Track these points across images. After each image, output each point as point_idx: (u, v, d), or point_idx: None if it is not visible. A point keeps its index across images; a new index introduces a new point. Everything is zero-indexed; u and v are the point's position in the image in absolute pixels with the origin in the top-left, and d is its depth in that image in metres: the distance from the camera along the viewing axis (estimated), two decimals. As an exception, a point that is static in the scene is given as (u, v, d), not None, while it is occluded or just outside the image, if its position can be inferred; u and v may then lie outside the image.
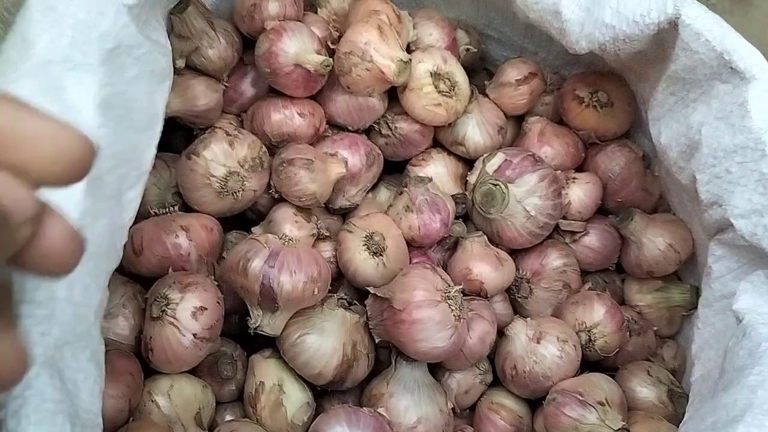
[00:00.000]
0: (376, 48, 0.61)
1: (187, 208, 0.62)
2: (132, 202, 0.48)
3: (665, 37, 0.54)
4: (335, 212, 0.68)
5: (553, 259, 0.67)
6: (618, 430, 0.55)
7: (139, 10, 0.47)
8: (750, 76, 0.49)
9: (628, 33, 0.54)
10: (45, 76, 0.39)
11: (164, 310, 0.53)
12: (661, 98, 0.58)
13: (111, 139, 0.43)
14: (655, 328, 0.69)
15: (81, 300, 0.39)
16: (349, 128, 0.68)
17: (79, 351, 0.37)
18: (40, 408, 0.32)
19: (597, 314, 0.64)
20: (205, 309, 0.54)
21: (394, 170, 0.73)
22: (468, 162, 0.72)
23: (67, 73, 0.40)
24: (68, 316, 0.35)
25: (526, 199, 0.64)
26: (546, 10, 0.58)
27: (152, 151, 0.50)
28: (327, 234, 0.65)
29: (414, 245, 0.66)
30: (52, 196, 0.26)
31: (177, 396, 0.54)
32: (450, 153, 0.71)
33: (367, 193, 0.69)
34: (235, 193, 0.60)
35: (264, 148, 0.62)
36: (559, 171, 0.68)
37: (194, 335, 0.53)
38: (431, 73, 0.64)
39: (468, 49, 0.71)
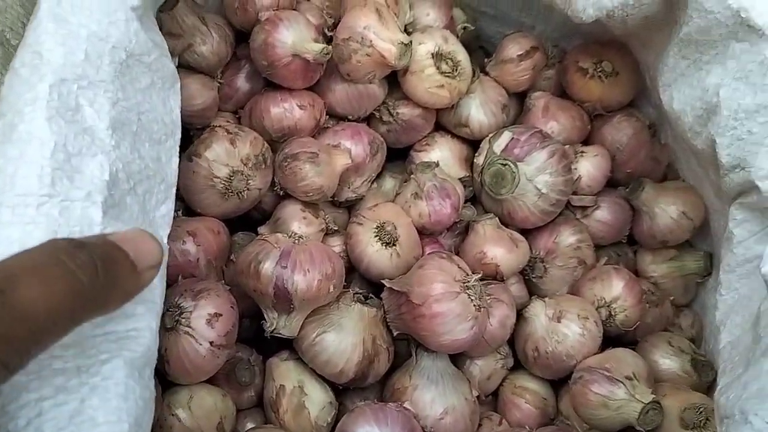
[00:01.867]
0: (375, 32, 0.59)
1: (190, 212, 0.60)
2: (165, 217, 0.47)
3: (675, 0, 0.52)
4: (341, 205, 0.67)
5: (567, 236, 0.66)
6: (649, 403, 0.55)
7: (142, 11, 0.45)
8: (770, 32, 0.48)
9: (638, -3, 0.53)
10: (62, 96, 0.37)
11: (178, 320, 0.51)
12: (671, 63, 0.57)
13: (127, 159, 0.41)
14: (671, 298, 0.68)
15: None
16: (350, 117, 0.66)
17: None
18: None
19: (616, 289, 0.63)
20: (220, 315, 0.52)
21: (397, 158, 0.71)
22: (472, 143, 0.70)
23: (82, 92, 0.38)
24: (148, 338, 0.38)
25: (536, 176, 0.62)
26: (550, -19, 0.56)
27: (175, 159, 0.48)
28: (335, 228, 0.63)
29: (425, 233, 0.64)
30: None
31: (197, 408, 0.52)
32: (454, 136, 0.70)
33: (372, 183, 0.67)
34: (240, 192, 0.58)
35: (266, 145, 0.60)
36: (567, 145, 0.67)
37: (211, 343, 0.51)
38: (432, 54, 0.62)
39: (465, 28, 0.69)
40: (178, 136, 0.51)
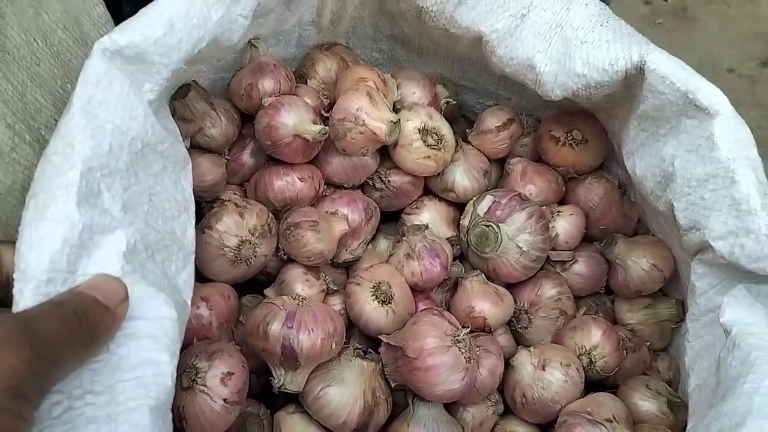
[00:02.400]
0: (367, 112, 0.65)
1: (201, 278, 0.65)
2: (186, 282, 0.52)
3: (633, 81, 0.60)
4: (339, 266, 0.72)
5: (548, 289, 0.72)
6: (628, 444, 0.60)
7: (158, 103, 0.51)
8: (714, 111, 0.55)
9: (598, 80, 0.60)
10: (89, 183, 0.43)
11: (194, 380, 0.56)
12: (633, 134, 0.64)
13: (143, 232, 0.47)
14: (647, 343, 0.73)
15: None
16: (345, 186, 0.73)
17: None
18: None
19: (594, 337, 0.69)
20: (233, 374, 0.57)
21: (390, 219, 0.77)
22: (458, 206, 0.76)
23: (103, 179, 0.44)
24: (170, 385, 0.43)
25: (517, 236, 0.69)
26: (521, 65, 0.63)
27: (191, 231, 0.54)
28: (335, 288, 0.69)
29: (417, 289, 0.70)
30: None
31: (214, 460, 0.56)
32: (441, 199, 0.76)
33: (368, 244, 0.73)
34: (248, 260, 0.64)
35: (271, 215, 0.66)
36: (544, 206, 0.73)
37: (224, 400, 0.56)
38: (419, 129, 0.69)
39: (448, 102, 0.77)
40: (192, 210, 0.56)
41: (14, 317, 0.35)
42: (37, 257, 0.41)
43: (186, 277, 0.54)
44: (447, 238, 0.73)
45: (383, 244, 0.75)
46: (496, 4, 0.64)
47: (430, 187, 0.76)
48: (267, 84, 0.66)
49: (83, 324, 0.37)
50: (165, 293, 0.47)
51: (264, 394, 0.66)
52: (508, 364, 0.68)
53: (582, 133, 0.74)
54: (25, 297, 0.39)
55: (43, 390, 0.34)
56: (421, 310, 0.66)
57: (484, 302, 0.68)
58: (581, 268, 0.74)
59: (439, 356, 0.59)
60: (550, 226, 0.72)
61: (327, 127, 0.65)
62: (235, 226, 0.63)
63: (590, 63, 0.60)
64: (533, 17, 0.63)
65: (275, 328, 0.58)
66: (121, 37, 0.49)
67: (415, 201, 0.76)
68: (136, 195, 0.48)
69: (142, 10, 0.51)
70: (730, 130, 0.55)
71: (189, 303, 0.54)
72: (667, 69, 0.57)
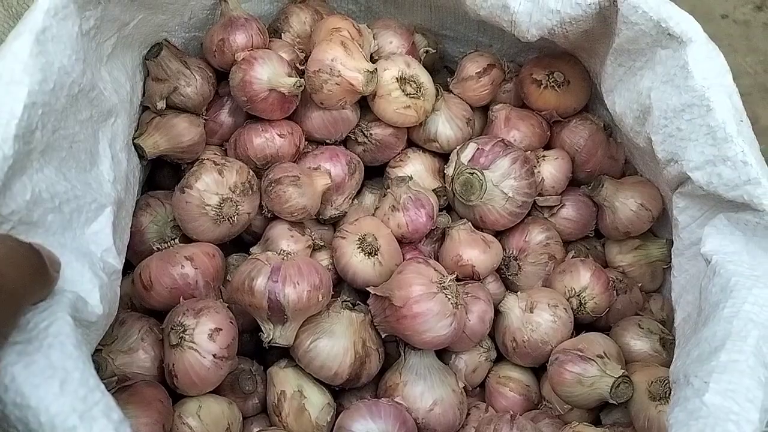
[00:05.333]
0: (342, 63, 0.64)
1: (186, 240, 0.65)
2: (99, 233, 0.50)
3: (607, 15, 0.59)
4: (326, 222, 0.72)
5: (536, 235, 0.71)
6: (619, 377, 0.60)
7: (110, 51, 0.50)
8: (687, 39, 0.54)
9: (572, 15, 0.59)
10: (29, 117, 0.42)
11: (182, 337, 0.56)
12: (610, 70, 0.63)
13: (52, 180, 0.46)
14: (639, 285, 0.73)
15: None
16: (327, 141, 0.72)
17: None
18: None
19: (584, 279, 0.68)
20: (220, 329, 0.57)
21: (375, 174, 0.77)
22: (443, 156, 0.76)
23: (42, 117, 0.43)
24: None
25: (502, 182, 0.68)
26: (495, 6, 0.62)
27: (106, 185, 0.53)
28: (322, 244, 0.68)
29: (405, 241, 0.69)
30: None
31: (206, 415, 0.57)
32: (425, 150, 0.75)
33: (353, 199, 0.73)
34: (231, 218, 0.63)
35: (251, 172, 0.65)
36: (529, 151, 0.72)
37: (214, 355, 0.56)
38: (397, 78, 0.68)
39: (427, 51, 0.76)
40: (107, 165, 0.55)
41: None
42: None
43: (99, 228, 0.52)
44: (433, 190, 0.72)
45: (369, 199, 0.75)
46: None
47: (414, 139, 0.75)
48: (239, 38, 0.65)
49: (43, 262, 0.39)
50: (67, 245, 0.47)
51: (258, 352, 0.67)
52: (497, 311, 0.68)
53: (564, 75, 0.73)
54: None
55: (12, 326, 0.35)
56: (407, 260, 0.65)
57: (471, 250, 0.68)
58: (569, 212, 0.74)
59: (425, 303, 0.59)
60: (536, 171, 0.71)
61: (302, 80, 0.65)
62: (215, 184, 0.62)
63: (564, -2, 0.59)
64: (502, -44, 0.61)
65: (260, 282, 0.58)
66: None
67: (399, 154, 0.75)
68: (60, 139, 0.47)
69: None
70: (703, 57, 0.54)
71: (99, 256, 0.51)
72: (639, -2, 0.56)
